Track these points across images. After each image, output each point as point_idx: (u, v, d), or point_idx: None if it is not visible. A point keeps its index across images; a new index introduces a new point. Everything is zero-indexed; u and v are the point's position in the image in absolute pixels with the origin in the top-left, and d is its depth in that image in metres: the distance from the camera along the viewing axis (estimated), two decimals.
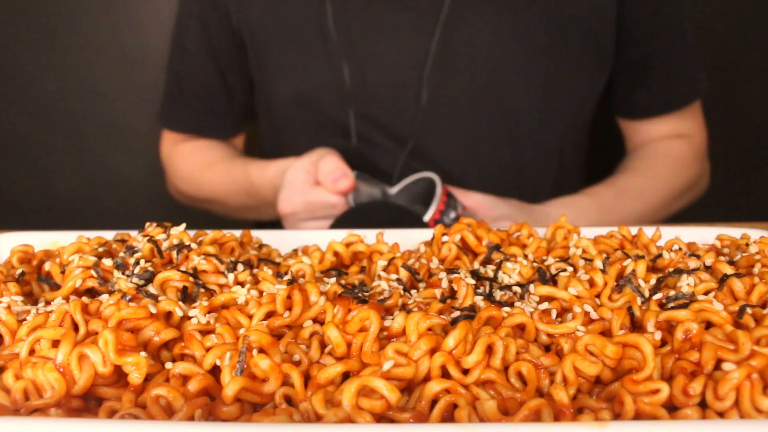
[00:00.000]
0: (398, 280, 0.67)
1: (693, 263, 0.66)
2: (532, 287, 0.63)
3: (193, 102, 1.35)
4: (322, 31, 1.21)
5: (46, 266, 0.71)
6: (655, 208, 1.27)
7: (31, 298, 0.68)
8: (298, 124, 1.28)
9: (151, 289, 0.62)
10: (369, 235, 0.81)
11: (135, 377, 0.53)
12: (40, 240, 0.83)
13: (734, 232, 0.78)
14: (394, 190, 1.13)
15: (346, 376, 0.54)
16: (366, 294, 0.63)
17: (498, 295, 0.64)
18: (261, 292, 0.62)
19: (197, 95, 1.34)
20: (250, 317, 0.59)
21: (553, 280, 0.65)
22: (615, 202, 1.21)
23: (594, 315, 0.59)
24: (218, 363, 0.54)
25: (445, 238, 0.75)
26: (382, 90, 1.22)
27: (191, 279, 0.63)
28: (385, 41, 1.21)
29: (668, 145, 1.32)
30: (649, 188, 1.27)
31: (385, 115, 1.23)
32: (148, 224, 0.74)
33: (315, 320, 0.60)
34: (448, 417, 0.51)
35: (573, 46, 1.22)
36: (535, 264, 0.69)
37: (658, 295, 0.61)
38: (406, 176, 1.15)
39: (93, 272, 0.65)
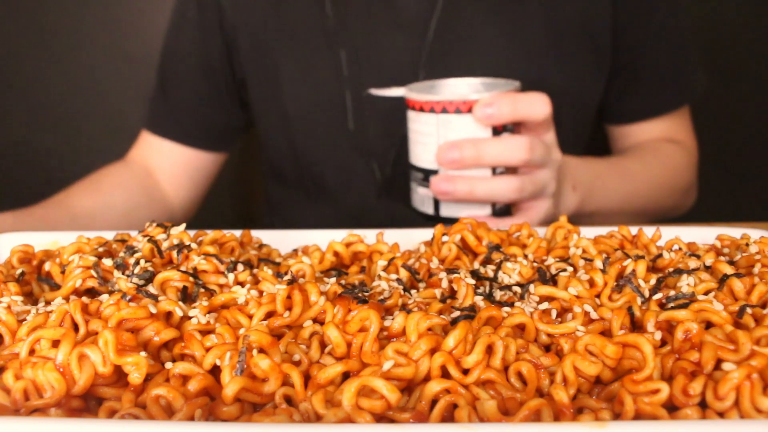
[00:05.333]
0: (398, 280, 0.66)
1: (693, 263, 0.66)
2: (532, 287, 0.63)
3: (181, 107, 1.32)
4: (324, 27, 1.22)
5: (46, 266, 0.71)
6: (644, 196, 1.25)
7: (31, 298, 0.68)
8: (305, 123, 1.28)
9: (151, 289, 0.61)
10: (369, 235, 0.81)
11: (135, 377, 0.53)
12: (40, 240, 0.83)
13: (734, 232, 0.78)
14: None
15: (346, 376, 0.54)
16: (366, 294, 0.62)
17: (498, 295, 0.64)
18: (261, 292, 0.62)
19: (186, 101, 1.32)
20: (250, 317, 0.59)
21: (553, 280, 0.65)
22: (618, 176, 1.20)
23: (594, 315, 0.59)
24: (218, 363, 0.54)
25: (445, 238, 0.75)
26: (378, 84, 1.22)
27: (191, 279, 0.63)
28: (382, 38, 1.21)
29: (662, 144, 1.31)
30: (641, 173, 1.25)
31: (381, 108, 1.23)
32: (148, 224, 0.74)
33: (315, 320, 0.60)
34: (448, 417, 0.51)
35: (569, 45, 1.22)
36: (535, 264, 0.69)
37: (658, 295, 0.61)
38: (398, 169, 1.12)
39: (93, 272, 0.65)
